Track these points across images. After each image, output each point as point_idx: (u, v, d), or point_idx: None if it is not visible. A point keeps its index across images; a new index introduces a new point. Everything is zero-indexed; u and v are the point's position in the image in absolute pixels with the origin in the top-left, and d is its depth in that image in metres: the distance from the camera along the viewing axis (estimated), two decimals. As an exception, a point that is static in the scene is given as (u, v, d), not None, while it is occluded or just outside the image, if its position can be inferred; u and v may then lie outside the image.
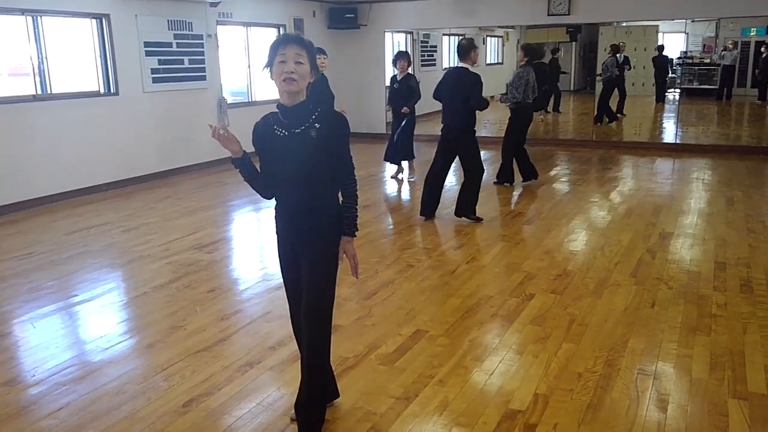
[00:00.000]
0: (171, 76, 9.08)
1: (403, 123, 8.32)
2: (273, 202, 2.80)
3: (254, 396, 3.22)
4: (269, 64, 2.59)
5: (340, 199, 2.76)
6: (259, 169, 2.76)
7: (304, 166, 2.62)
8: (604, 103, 12.92)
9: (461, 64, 6.14)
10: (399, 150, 8.49)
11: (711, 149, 10.63)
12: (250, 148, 2.70)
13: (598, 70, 13.01)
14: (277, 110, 2.66)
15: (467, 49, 6.11)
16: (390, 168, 9.08)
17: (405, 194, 8.15)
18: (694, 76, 15.45)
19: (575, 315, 4.13)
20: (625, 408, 3.05)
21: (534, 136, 9.56)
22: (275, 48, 2.56)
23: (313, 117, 2.62)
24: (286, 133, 2.63)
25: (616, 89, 13.04)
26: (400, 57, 8.35)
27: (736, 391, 3.18)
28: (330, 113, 2.67)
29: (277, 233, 2.82)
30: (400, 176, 8.73)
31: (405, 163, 8.81)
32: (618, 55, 12.74)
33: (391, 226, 6.61)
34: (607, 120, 13.08)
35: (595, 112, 12.92)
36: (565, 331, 3.90)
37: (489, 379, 3.35)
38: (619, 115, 13.45)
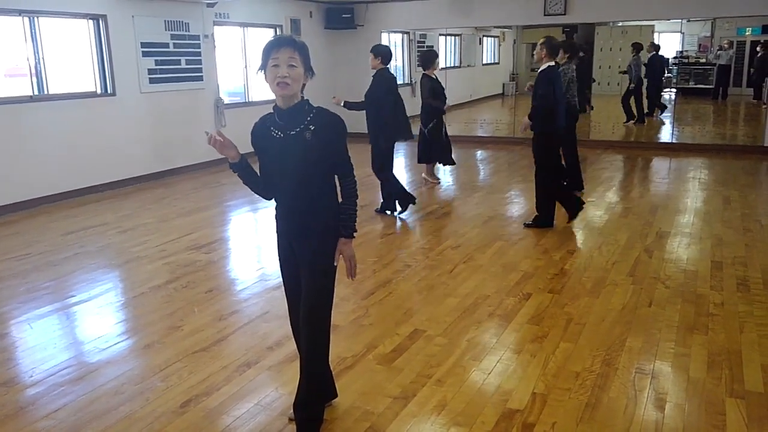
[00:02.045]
0: (168, 76, 9.07)
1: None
2: (272, 202, 2.81)
3: (252, 396, 3.22)
4: (263, 67, 2.59)
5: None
6: (257, 170, 2.76)
7: (301, 168, 2.62)
8: (638, 104, 12.88)
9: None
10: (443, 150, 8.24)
11: (707, 148, 10.66)
12: (248, 148, 2.71)
13: (595, 70, 13.02)
14: (273, 112, 2.67)
15: (555, 48, 6.03)
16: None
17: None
18: (690, 75, 15.47)
19: (573, 314, 4.14)
20: (623, 407, 3.05)
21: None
22: (268, 51, 2.55)
23: (309, 119, 2.62)
24: (282, 135, 2.63)
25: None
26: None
27: (734, 389, 3.19)
28: (326, 115, 2.67)
29: (277, 233, 2.82)
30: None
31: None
32: (641, 53, 12.61)
33: (389, 226, 6.60)
34: (625, 119, 13.03)
35: (635, 114, 13.01)
36: (562, 330, 3.91)
37: (487, 378, 3.36)
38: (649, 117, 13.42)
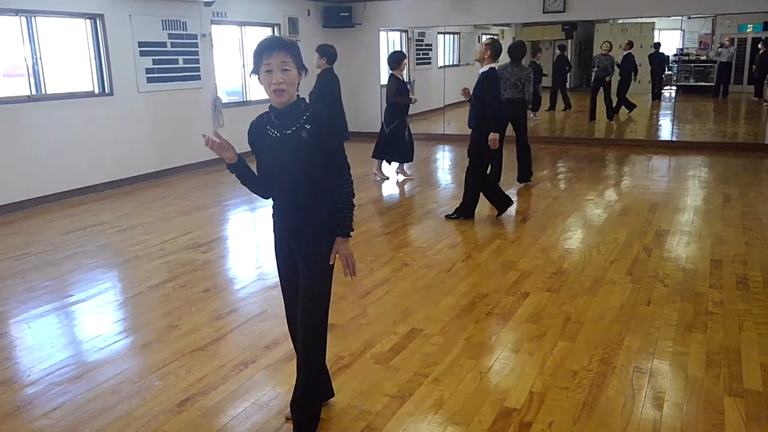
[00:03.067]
0: (166, 75, 9.06)
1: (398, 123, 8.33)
2: (270, 201, 2.81)
3: (249, 395, 3.22)
4: (255, 72, 2.58)
5: None
6: (255, 170, 2.76)
7: (297, 167, 2.62)
8: (592, 102, 13.03)
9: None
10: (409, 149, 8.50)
11: (707, 146, 10.65)
12: (246, 147, 2.70)
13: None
14: (269, 111, 2.66)
15: (499, 51, 6.26)
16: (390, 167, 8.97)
17: (401, 193, 8.14)
18: (691, 73, 15.45)
19: (571, 313, 4.13)
20: (620, 406, 3.05)
21: (529, 134, 9.54)
22: (259, 56, 2.54)
23: (304, 117, 2.61)
24: (278, 134, 2.62)
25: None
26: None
27: (732, 388, 3.18)
28: (322, 114, 2.66)
29: (274, 232, 2.82)
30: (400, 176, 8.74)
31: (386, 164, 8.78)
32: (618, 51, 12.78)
33: (386, 225, 6.60)
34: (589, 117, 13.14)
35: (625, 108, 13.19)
36: (560, 329, 3.90)
37: (484, 377, 3.35)
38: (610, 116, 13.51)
